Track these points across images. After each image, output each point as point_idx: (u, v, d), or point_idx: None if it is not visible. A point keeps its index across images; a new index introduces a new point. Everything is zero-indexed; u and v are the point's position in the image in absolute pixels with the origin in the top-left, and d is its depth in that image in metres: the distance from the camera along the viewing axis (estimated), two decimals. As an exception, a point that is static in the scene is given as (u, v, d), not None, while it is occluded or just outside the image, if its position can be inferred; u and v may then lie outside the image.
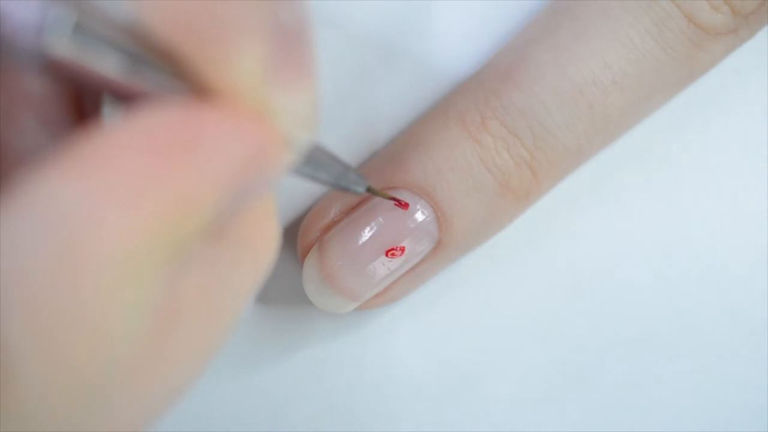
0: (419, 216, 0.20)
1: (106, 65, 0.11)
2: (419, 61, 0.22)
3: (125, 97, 0.11)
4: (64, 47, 0.10)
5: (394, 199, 0.20)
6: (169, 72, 0.11)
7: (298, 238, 0.21)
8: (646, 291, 0.23)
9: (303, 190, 0.22)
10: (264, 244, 0.13)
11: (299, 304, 0.22)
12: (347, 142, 0.22)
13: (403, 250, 0.20)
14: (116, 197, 0.10)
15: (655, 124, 0.22)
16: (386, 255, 0.20)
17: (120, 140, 0.10)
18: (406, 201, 0.20)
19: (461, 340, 0.23)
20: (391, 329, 0.23)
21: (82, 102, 0.14)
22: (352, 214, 0.21)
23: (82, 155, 0.10)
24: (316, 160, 0.15)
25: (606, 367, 0.23)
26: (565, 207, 0.23)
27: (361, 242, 0.20)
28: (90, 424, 0.11)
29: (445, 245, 0.20)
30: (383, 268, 0.20)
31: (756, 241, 0.23)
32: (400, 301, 0.22)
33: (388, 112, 0.22)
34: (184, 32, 0.11)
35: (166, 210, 0.10)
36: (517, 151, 0.20)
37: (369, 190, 0.18)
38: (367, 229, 0.20)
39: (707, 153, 0.23)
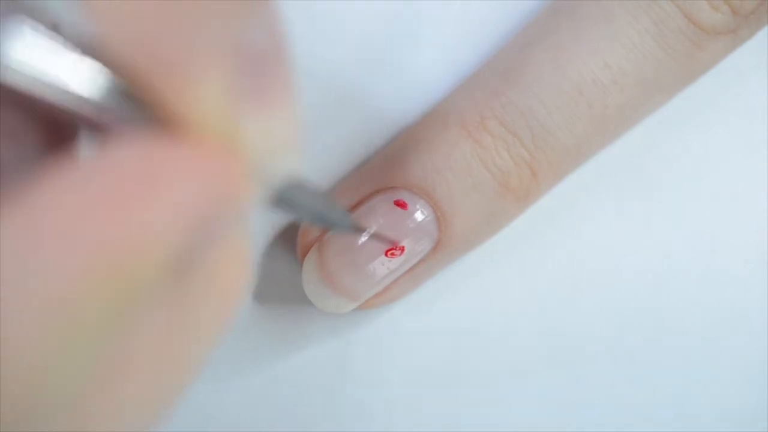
0: (419, 216, 0.20)
1: (60, 94, 0.10)
2: (419, 62, 0.22)
3: (91, 125, 0.11)
4: (15, 74, 0.10)
5: (382, 238, 0.20)
6: (133, 101, 0.10)
7: (298, 238, 0.21)
8: (646, 291, 0.23)
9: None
10: (233, 280, 0.12)
11: (299, 304, 0.22)
12: (346, 143, 0.22)
13: (402, 249, 0.20)
14: (55, 242, 0.09)
15: (655, 124, 0.22)
16: (386, 255, 0.20)
17: (70, 181, 0.10)
18: (406, 201, 0.20)
19: (461, 340, 0.23)
20: (390, 329, 0.23)
21: (59, 127, 0.13)
22: (351, 214, 0.20)
23: (29, 197, 0.10)
24: (290, 199, 0.13)
25: (606, 367, 0.23)
26: (565, 207, 0.23)
27: (360, 242, 0.20)
28: None
29: (444, 245, 0.20)
30: (383, 268, 0.20)
31: (756, 242, 0.23)
32: (399, 301, 0.22)
33: (387, 112, 0.22)
34: (141, 56, 0.10)
35: (114, 251, 0.10)
36: (516, 151, 0.20)
37: (351, 227, 0.17)
38: (367, 229, 0.20)
39: (707, 153, 0.23)
